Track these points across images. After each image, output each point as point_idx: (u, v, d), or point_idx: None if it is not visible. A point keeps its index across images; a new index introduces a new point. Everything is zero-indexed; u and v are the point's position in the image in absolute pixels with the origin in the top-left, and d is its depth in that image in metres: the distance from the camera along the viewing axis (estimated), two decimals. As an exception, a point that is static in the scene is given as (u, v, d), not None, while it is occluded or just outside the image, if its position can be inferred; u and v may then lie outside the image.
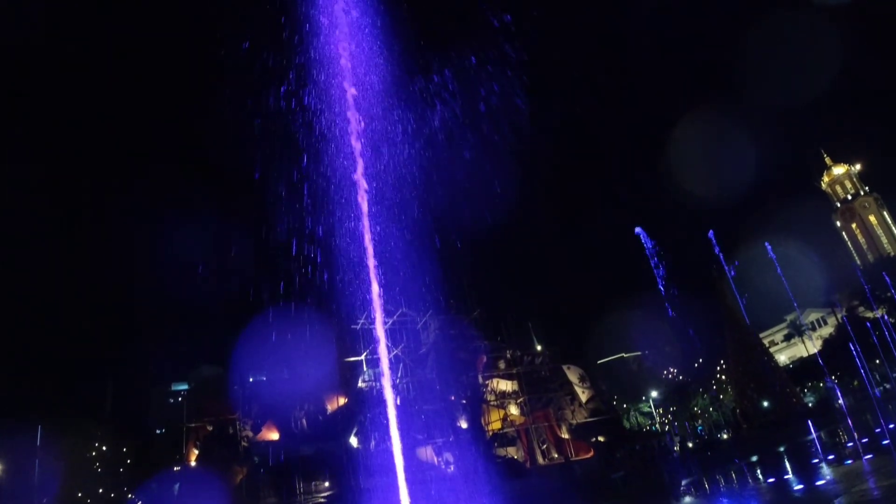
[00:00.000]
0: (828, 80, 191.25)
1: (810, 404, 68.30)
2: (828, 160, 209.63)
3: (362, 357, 63.37)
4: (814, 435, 40.29)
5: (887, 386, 72.86)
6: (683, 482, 39.11)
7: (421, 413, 57.45)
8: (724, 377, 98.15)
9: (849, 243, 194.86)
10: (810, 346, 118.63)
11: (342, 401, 66.24)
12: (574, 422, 69.95)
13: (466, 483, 45.16)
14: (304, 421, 64.02)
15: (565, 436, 68.11)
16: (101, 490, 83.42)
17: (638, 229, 61.56)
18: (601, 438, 67.69)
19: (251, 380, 66.74)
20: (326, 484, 57.14)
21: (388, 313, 56.87)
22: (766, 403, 62.25)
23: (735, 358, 67.36)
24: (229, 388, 65.96)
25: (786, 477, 29.38)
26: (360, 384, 64.81)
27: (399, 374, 60.89)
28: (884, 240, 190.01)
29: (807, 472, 29.03)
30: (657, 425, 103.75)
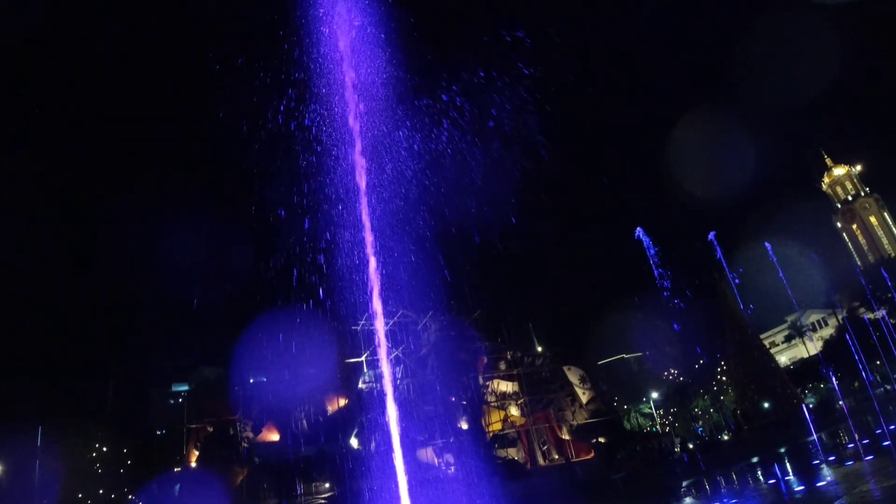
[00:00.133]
0: (828, 80, 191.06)
1: (811, 405, 68.27)
2: (828, 161, 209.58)
3: (363, 358, 63.40)
4: (814, 436, 40.27)
5: (888, 387, 72.77)
6: (684, 483, 39.09)
7: (421, 414, 57.46)
8: (724, 378, 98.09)
9: (849, 244, 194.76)
10: (811, 348, 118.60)
11: (342, 402, 66.26)
12: (575, 423, 69.94)
13: (467, 484, 45.14)
14: (304, 422, 64.05)
15: (566, 437, 68.09)
16: (101, 491, 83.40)
17: (638, 230, 61.51)
18: (602, 439, 67.68)
19: (252, 381, 66.76)
20: (327, 485, 57.17)
21: (388, 314, 56.87)
22: (766, 404, 62.25)
23: (736, 359, 67.37)
24: (230, 388, 66.01)
25: (787, 478, 29.36)
26: (361, 385, 64.84)
27: (400, 376, 60.89)
28: (884, 241, 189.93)
29: (808, 474, 29.01)
30: (658, 426, 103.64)
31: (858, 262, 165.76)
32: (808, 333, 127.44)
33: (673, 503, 33.76)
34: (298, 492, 56.24)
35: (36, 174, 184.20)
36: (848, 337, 57.60)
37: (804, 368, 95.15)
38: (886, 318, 74.09)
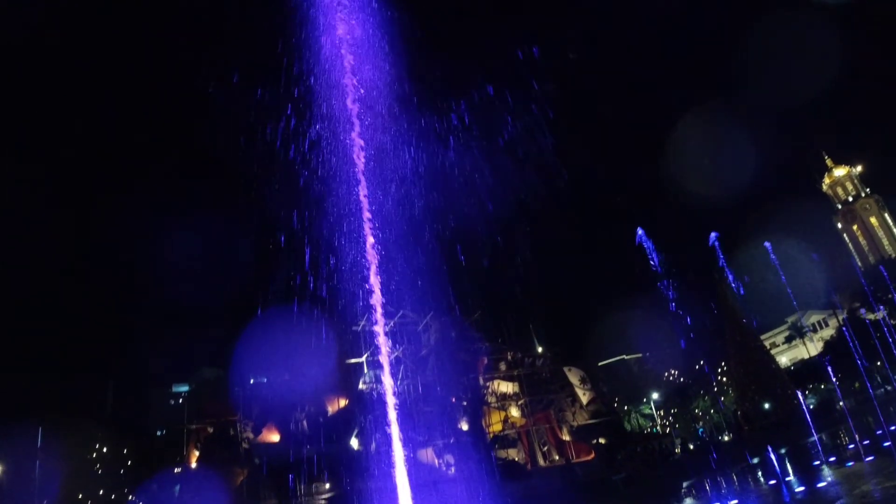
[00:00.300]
0: (828, 80, 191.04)
1: (811, 406, 68.22)
2: (828, 161, 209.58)
3: (363, 359, 63.41)
4: (815, 437, 40.22)
5: (888, 388, 72.70)
6: (684, 484, 39.04)
7: (422, 415, 57.43)
8: (725, 379, 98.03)
9: (850, 245, 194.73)
10: (811, 348, 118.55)
11: (343, 403, 66.25)
12: (575, 423, 69.91)
13: (467, 485, 45.12)
14: (304, 423, 64.02)
15: (566, 437, 68.05)
16: (101, 491, 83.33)
17: (639, 231, 61.40)
18: (602, 440, 67.64)
19: (252, 381, 66.83)
20: (327, 486, 57.12)
21: (389, 315, 56.86)
22: (767, 405, 62.22)
23: (736, 360, 67.40)
24: (230, 389, 66.10)
25: (787, 479, 29.34)
26: (361, 386, 64.85)
27: (400, 376, 60.88)
28: (885, 241, 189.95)
29: (808, 474, 28.99)
30: (658, 427, 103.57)
31: (859, 263, 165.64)
32: (808, 334, 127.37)
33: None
34: (299, 493, 56.20)
35: (37, 174, 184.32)
36: (848, 338, 57.57)
37: (804, 369, 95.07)
38: (887, 319, 74.07)
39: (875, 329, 69.89)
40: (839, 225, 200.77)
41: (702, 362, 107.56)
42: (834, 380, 56.18)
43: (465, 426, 61.54)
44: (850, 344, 54.93)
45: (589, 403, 73.64)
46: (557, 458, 66.09)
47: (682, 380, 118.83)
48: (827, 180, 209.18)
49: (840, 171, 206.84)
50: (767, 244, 63.29)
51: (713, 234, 61.63)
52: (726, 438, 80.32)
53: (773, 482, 30.00)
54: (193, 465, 63.88)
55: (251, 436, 63.17)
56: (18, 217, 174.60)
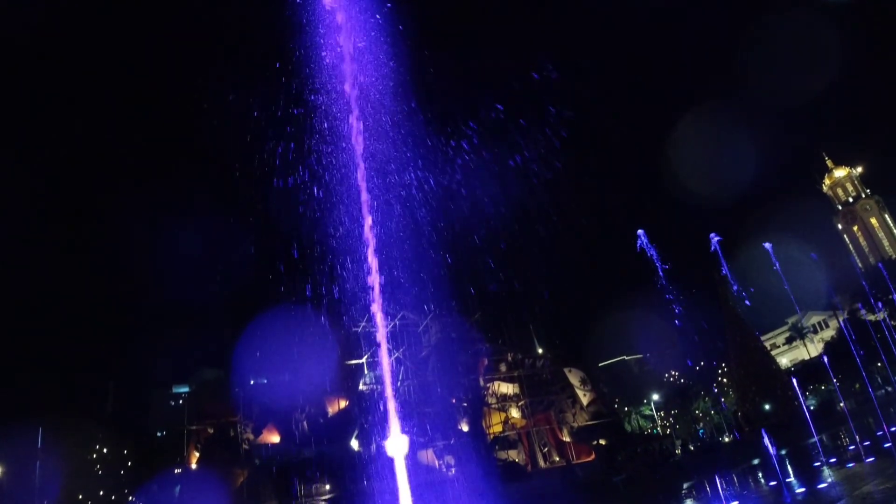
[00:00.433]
0: (828, 80, 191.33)
1: (812, 407, 68.17)
2: (829, 162, 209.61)
3: (363, 360, 63.36)
4: (815, 438, 40.18)
5: (889, 389, 72.62)
6: (685, 485, 39.00)
7: (422, 416, 57.39)
8: (725, 380, 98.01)
9: (850, 246, 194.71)
10: (812, 349, 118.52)
11: (343, 403, 66.21)
12: (575, 425, 69.87)
13: (467, 486, 45.08)
14: (305, 423, 63.98)
15: (566, 439, 68.03)
16: (101, 492, 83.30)
17: (640, 232, 61.19)
18: (602, 441, 67.59)
19: (252, 382, 66.76)
20: (327, 487, 57.09)
21: (389, 316, 56.86)
22: (767, 406, 62.16)
23: (737, 361, 67.35)
24: (230, 390, 66.05)
25: (788, 480, 29.31)
26: (362, 387, 64.79)
27: (400, 377, 60.87)
28: (885, 242, 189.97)
29: (809, 475, 28.98)
30: (658, 428, 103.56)
31: (859, 264, 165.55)
32: (809, 335, 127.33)
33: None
34: (299, 494, 56.16)
35: (37, 173, 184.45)
36: (849, 338, 57.42)
37: (805, 370, 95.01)
38: (888, 320, 74.00)
39: (875, 330, 69.79)
40: (839, 226, 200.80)
41: (702, 363, 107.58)
42: (834, 381, 56.00)
43: (465, 427, 61.52)
44: (851, 345, 54.78)
45: (589, 404, 73.58)
46: (558, 459, 66.09)
47: (682, 381, 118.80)
48: (827, 181, 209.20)
49: (840, 172, 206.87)
50: (768, 245, 62.98)
51: (714, 239, 59.82)
52: (727, 439, 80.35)
53: (773, 483, 29.97)
54: (194, 465, 63.85)
55: (251, 437, 63.12)
56: (19, 217, 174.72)
